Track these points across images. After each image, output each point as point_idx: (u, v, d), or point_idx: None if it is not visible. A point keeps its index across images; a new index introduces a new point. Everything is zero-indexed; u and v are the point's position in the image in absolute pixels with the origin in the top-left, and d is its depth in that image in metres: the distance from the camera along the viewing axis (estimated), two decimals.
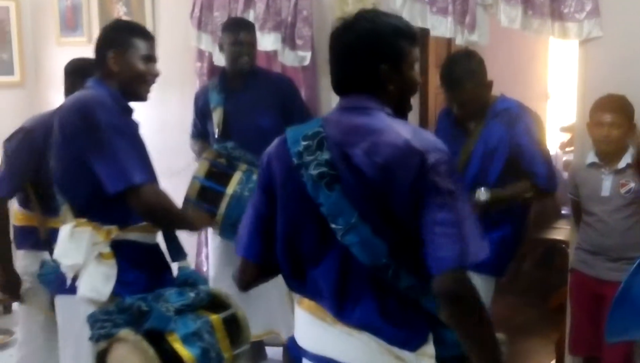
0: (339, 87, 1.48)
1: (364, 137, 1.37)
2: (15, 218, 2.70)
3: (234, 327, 1.98)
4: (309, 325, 1.47)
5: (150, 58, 2.05)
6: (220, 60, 3.56)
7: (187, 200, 2.88)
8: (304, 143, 1.42)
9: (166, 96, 4.05)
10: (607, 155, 2.59)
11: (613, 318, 1.89)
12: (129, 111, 2.05)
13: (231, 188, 2.78)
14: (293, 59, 3.36)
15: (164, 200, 1.96)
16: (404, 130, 1.37)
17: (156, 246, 2.06)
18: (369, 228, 1.34)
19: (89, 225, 1.92)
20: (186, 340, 1.83)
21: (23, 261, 2.67)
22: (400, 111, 1.48)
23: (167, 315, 1.83)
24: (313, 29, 3.34)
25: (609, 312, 1.89)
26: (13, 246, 2.78)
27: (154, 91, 4.14)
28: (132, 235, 1.97)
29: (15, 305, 3.99)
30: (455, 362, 1.42)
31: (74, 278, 1.94)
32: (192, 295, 1.94)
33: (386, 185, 1.33)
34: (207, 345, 1.86)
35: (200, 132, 3.25)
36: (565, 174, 3.97)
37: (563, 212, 4.38)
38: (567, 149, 4.67)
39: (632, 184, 2.54)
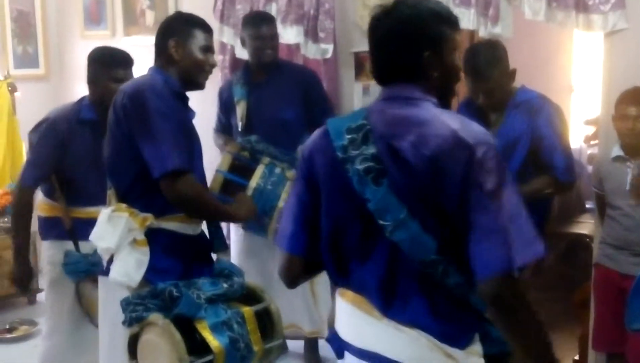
0: (381, 76, 1.43)
1: (410, 129, 1.33)
2: (40, 209, 2.72)
3: (267, 321, 1.99)
4: (354, 318, 1.42)
5: (209, 49, 2.11)
6: (242, 53, 3.57)
7: None
8: (349, 136, 1.37)
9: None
10: (633, 148, 2.56)
11: (632, 306, 1.87)
12: (183, 98, 2.09)
13: (254, 181, 2.79)
14: (315, 52, 3.37)
15: (196, 191, 1.96)
16: (451, 121, 1.33)
17: (196, 237, 2.08)
18: (418, 224, 1.30)
19: (127, 211, 1.96)
20: (215, 328, 1.84)
21: (48, 251, 2.70)
22: (445, 99, 1.44)
23: (197, 302, 1.85)
24: (335, 21, 3.34)
25: (629, 299, 1.88)
26: (38, 237, 2.83)
27: None
28: (169, 224, 1.99)
29: (40, 296, 4.07)
30: (500, 358, 1.39)
31: (111, 261, 1.99)
32: (225, 285, 1.95)
33: (434, 178, 1.29)
34: (237, 336, 1.87)
35: (224, 126, 3.27)
36: (590, 168, 3.92)
37: (587, 206, 4.33)
38: (591, 142, 4.61)
39: None
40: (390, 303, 1.36)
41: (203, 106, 3.85)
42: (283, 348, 3.40)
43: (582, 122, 4.94)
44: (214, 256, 2.18)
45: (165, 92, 1.97)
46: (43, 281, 3.04)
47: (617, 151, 2.62)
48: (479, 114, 2.67)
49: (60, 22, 4.96)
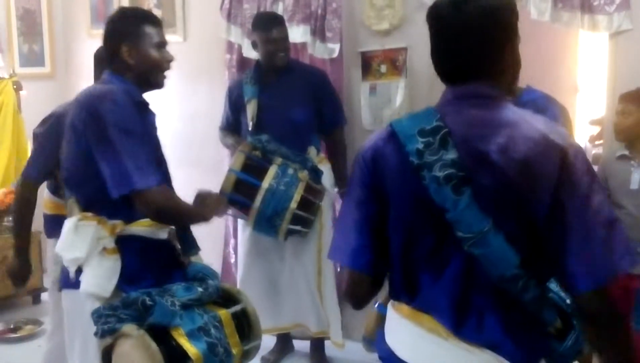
0: (453, 73, 1.29)
1: (496, 131, 1.21)
2: (45, 206, 2.72)
3: (244, 322, 1.95)
4: (415, 337, 1.30)
5: (163, 44, 2.01)
6: (249, 52, 3.59)
7: (222, 193, 2.88)
8: (423, 140, 1.25)
9: (196, 87, 4.10)
10: (637, 148, 2.58)
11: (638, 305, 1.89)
12: (144, 105, 1.99)
13: (267, 182, 2.80)
14: (323, 51, 3.38)
15: (170, 201, 1.90)
16: (537, 122, 1.24)
17: (165, 242, 2.00)
18: (502, 236, 1.20)
19: (94, 219, 1.88)
20: (192, 335, 1.79)
21: (53, 250, 2.69)
22: (511, 97, 1.34)
23: (171, 309, 1.79)
24: (342, 20, 3.35)
25: (637, 300, 1.89)
26: (43, 235, 2.82)
27: (184, 82, 4.24)
28: (139, 230, 1.92)
29: (44, 296, 4.07)
30: None
31: (79, 273, 1.90)
32: (200, 289, 1.89)
33: (526, 185, 1.19)
34: (215, 340, 1.82)
35: (232, 124, 3.25)
36: (595, 168, 3.93)
37: None
38: (596, 142, 4.62)
39: None
40: (463, 321, 1.25)
41: (214, 103, 3.89)
42: (289, 349, 3.42)
43: (587, 122, 4.95)
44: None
45: (126, 103, 1.87)
46: (48, 280, 3.04)
47: (621, 150, 2.64)
48: None
49: (66, 20, 4.97)
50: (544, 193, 1.19)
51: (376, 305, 1.52)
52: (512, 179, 1.19)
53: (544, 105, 2.62)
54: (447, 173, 1.22)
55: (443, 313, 1.27)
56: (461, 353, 1.24)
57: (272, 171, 2.83)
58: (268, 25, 3.03)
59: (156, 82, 2.02)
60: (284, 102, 3.06)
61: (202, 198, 2.06)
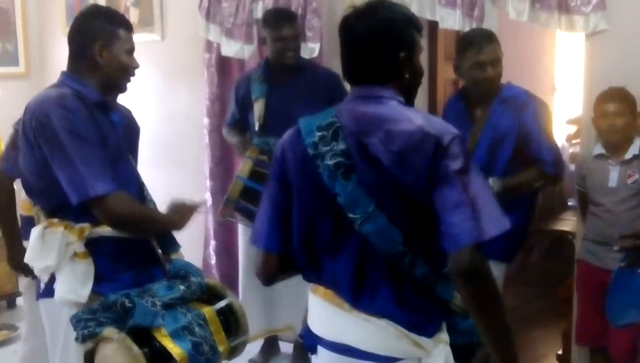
0: (354, 76, 1.47)
1: (379, 126, 1.37)
2: (23, 208, 2.67)
3: (230, 318, 1.92)
4: (325, 313, 1.47)
5: (133, 50, 1.97)
6: (228, 51, 3.57)
7: (228, 200, 2.89)
8: (319, 134, 1.43)
9: (174, 86, 4.07)
10: (614, 146, 2.61)
11: (613, 302, 1.91)
12: (103, 107, 1.91)
13: None
14: (304, 51, 3.36)
15: (131, 208, 1.85)
16: (417, 117, 1.38)
17: (141, 240, 1.95)
18: (385, 217, 1.36)
19: (60, 225, 1.83)
20: (175, 335, 1.76)
21: None
22: (411, 100, 1.50)
23: (152, 310, 1.75)
24: (322, 20, 3.34)
25: (608, 296, 1.92)
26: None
27: (162, 81, 4.20)
28: (108, 231, 1.86)
29: (19, 300, 4.00)
30: (466, 349, 1.45)
31: (53, 281, 1.86)
32: (182, 287, 1.86)
33: (403, 173, 1.34)
34: (199, 339, 1.79)
35: (238, 121, 3.17)
36: (572, 166, 3.98)
37: (569, 204, 4.40)
38: (573, 141, 4.68)
39: (638, 175, 2.56)
40: (360, 295, 1.41)
41: (193, 103, 3.86)
42: (276, 351, 3.39)
43: (564, 121, 5.02)
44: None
45: (77, 107, 1.79)
46: (22, 284, 2.99)
47: (599, 149, 2.67)
48: (465, 110, 2.71)
49: (41, 19, 4.90)
50: (419, 179, 1.33)
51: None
52: (389, 168, 1.35)
53: (525, 101, 2.65)
54: (337, 161, 1.39)
55: (343, 289, 1.43)
56: (360, 323, 1.41)
57: None
58: (278, 22, 2.95)
59: (120, 87, 1.98)
60: (293, 103, 2.92)
61: (175, 207, 2.02)
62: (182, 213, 2.01)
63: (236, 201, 2.82)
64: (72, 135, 1.76)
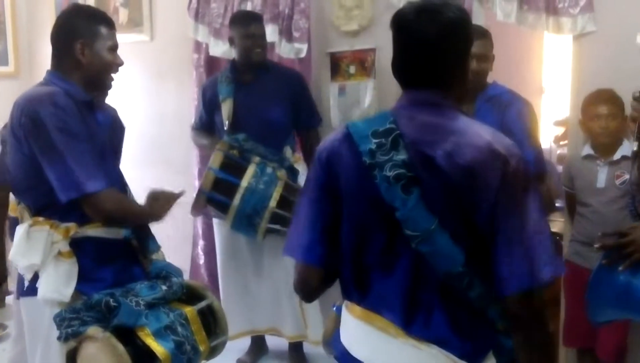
0: (412, 79, 1.35)
1: (444, 137, 1.28)
2: (11, 209, 2.68)
3: (211, 319, 1.95)
4: (367, 336, 1.35)
5: (115, 47, 1.97)
6: (215, 51, 3.58)
7: (201, 191, 2.89)
8: (376, 141, 1.30)
9: (163, 87, 4.06)
10: (603, 147, 2.63)
11: (591, 300, 1.92)
12: (89, 106, 1.91)
13: (246, 181, 2.80)
14: (289, 51, 3.37)
15: (120, 204, 1.87)
16: (483, 131, 1.30)
17: (122, 241, 1.96)
18: (447, 235, 1.26)
19: (46, 224, 1.84)
20: (158, 334, 1.78)
21: None
22: (461, 106, 1.40)
23: (136, 309, 1.77)
24: (310, 21, 3.35)
25: (587, 294, 1.93)
26: (8, 238, 2.78)
27: (151, 81, 4.19)
28: (94, 231, 1.87)
29: (9, 299, 3.98)
30: None
31: (36, 279, 1.86)
32: (164, 288, 1.88)
33: (468, 189, 1.25)
34: (182, 338, 1.81)
35: (205, 124, 3.22)
36: (560, 168, 3.99)
37: (557, 205, 4.41)
38: (561, 142, 4.70)
39: (627, 176, 2.57)
40: (412, 318, 1.31)
41: (182, 103, 3.85)
42: (264, 350, 3.39)
43: (552, 123, 5.03)
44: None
45: (68, 105, 1.80)
46: (12, 284, 2.97)
47: (587, 150, 2.69)
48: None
49: (30, 18, 4.87)
50: (484, 199, 1.25)
51: (334, 308, 1.52)
52: (456, 183, 1.26)
53: (509, 100, 2.66)
54: (397, 173, 1.28)
55: (393, 311, 1.32)
56: (409, 349, 1.30)
57: (251, 169, 2.83)
58: (246, 21, 3.04)
59: (104, 85, 1.98)
60: (260, 101, 3.05)
61: (154, 196, 2.01)
62: (161, 202, 2.01)
63: (209, 193, 2.81)
64: (63, 132, 1.76)
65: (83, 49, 1.89)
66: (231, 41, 3.10)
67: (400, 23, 1.34)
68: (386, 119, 1.33)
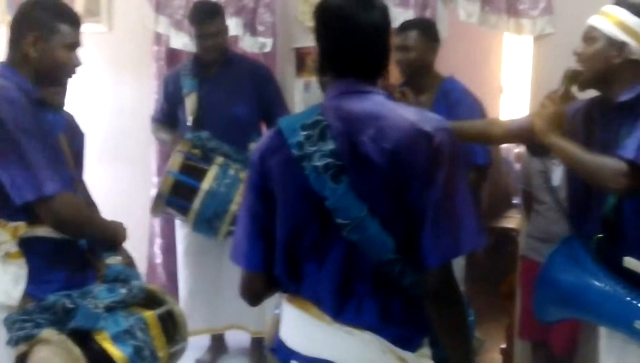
0: (344, 69, 1.36)
1: (369, 123, 1.29)
2: None
3: (170, 324, 1.91)
4: (302, 325, 1.37)
5: (75, 45, 1.87)
6: (177, 43, 3.51)
7: (159, 196, 2.82)
8: (304, 133, 1.32)
9: (121, 79, 3.96)
10: None
11: (537, 297, 1.96)
12: (42, 104, 1.82)
13: (207, 184, 2.74)
14: (253, 45, 3.34)
15: (78, 212, 1.79)
16: (407, 112, 1.31)
17: (75, 242, 1.88)
18: (378, 222, 1.28)
19: None
20: (117, 338, 1.73)
21: None
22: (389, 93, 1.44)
23: (94, 312, 1.71)
24: (276, 16, 3.32)
25: (535, 292, 1.97)
26: None
27: (109, 74, 4.07)
28: (44, 231, 1.78)
29: None
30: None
31: None
32: (123, 291, 1.83)
33: (397, 171, 1.26)
34: (141, 343, 1.77)
35: (167, 116, 3.14)
36: (517, 166, 4.08)
37: (514, 202, 4.51)
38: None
39: None
40: (344, 306, 1.33)
41: (142, 97, 3.77)
42: (223, 349, 3.36)
43: None
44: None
45: (22, 101, 1.72)
46: None
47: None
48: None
49: None
50: (413, 178, 1.27)
51: (276, 311, 1.52)
52: (383, 167, 1.27)
53: (459, 97, 2.69)
54: (326, 163, 1.29)
55: (325, 300, 1.35)
56: (342, 336, 1.32)
57: (213, 172, 2.77)
58: (201, 19, 2.92)
59: (57, 81, 1.89)
60: (225, 97, 2.98)
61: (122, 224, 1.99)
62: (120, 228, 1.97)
63: (168, 197, 2.76)
64: (20, 130, 1.68)
65: (35, 43, 1.79)
66: (191, 35, 3.03)
67: (332, 12, 1.35)
68: (314, 112, 1.36)
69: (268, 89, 3.07)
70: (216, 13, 2.97)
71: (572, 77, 1.87)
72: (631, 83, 1.79)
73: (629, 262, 1.72)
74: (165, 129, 3.16)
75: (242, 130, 2.97)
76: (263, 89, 3.05)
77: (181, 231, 3.13)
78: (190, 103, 2.98)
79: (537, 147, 2.02)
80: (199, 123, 2.95)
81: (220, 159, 2.82)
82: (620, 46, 1.78)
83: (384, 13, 1.36)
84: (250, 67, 3.10)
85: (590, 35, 1.85)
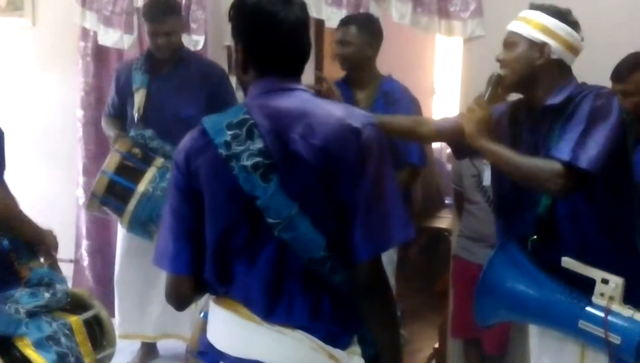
0: (270, 67, 1.35)
1: (297, 121, 1.29)
2: None
3: (97, 329, 1.88)
4: (231, 326, 1.36)
5: None
6: (105, 40, 3.42)
7: (93, 196, 2.74)
8: (231, 132, 1.30)
9: (46, 75, 3.82)
10: None
11: (479, 304, 1.98)
12: None
13: (142, 186, 2.67)
14: (187, 43, 3.26)
15: (6, 206, 1.75)
16: (334, 109, 1.33)
17: None
18: (308, 220, 1.28)
19: None
20: (39, 344, 1.70)
21: None
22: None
23: (15, 317, 1.68)
24: (207, 12, 3.27)
25: (476, 296, 1.99)
26: None
27: (33, 70, 3.91)
28: None
29: None
30: (375, 360, 1.39)
31: None
32: (47, 295, 1.78)
33: (327, 168, 1.27)
34: (65, 350, 1.74)
35: (118, 110, 3.03)
36: (449, 166, 4.15)
37: (446, 202, 4.60)
38: None
39: None
40: (275, 306, 1.33)
41: (67, 93, 3.63)
42: (154, 354, 3.27)
43: None
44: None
45: None
46: None
47: None
48: (348, 91, 2.72)
49: None
50: (343, 173, 1.27)
51: (201, 315, 1.50)
52: (313, 164, 1.27)
53: (399, 96, 2.72)
54: (255, 162, 1.28)
55: (256, 301, 1.33)
56: (273, 335, 1.32)
57: (150, 174, 2.69)
58: (156, 17, 2.83)
59: None
60: (174, 95, 2.88)
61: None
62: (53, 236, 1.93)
63: (102, 197, 2.68)
64: None
65: None
66: (127, 31, 2.97)
67: (250, 9, 1.33)
68: (240, 111, 1.34)
69: (220, 91, 2.97)
70: (170, 12, 2.88)
71: (496, 82, 1.91)
72: (557, 84, 1.83)
73: (567, 262, 1.75)
74: (114, 124, 3.03)
75: (188, 131, 2.87)
76: (214, 91, 2.94)
77: (122, 230, 3.03)
78: (138, 99, 2.89)
79: (462, 149, 2.04)
80: (145, 120, 2.87)
81: (160, 161, 2.75)
82: (541, 46, 1.82)
83: (303, 8, 1.36)
84: (204, 68, 3.00)
85: (511, 41, 1.89)
